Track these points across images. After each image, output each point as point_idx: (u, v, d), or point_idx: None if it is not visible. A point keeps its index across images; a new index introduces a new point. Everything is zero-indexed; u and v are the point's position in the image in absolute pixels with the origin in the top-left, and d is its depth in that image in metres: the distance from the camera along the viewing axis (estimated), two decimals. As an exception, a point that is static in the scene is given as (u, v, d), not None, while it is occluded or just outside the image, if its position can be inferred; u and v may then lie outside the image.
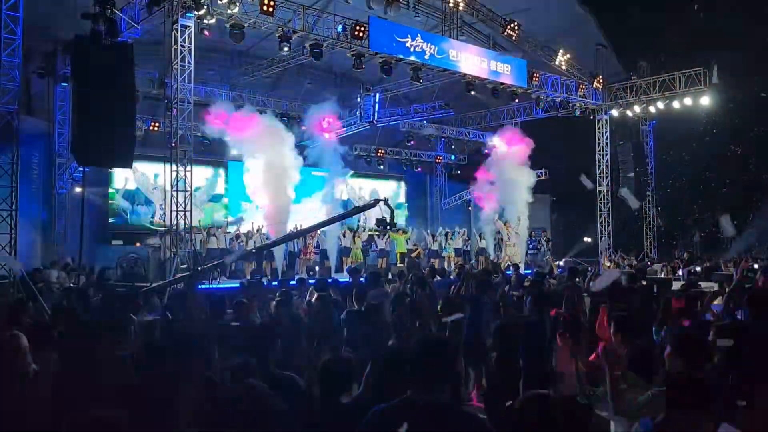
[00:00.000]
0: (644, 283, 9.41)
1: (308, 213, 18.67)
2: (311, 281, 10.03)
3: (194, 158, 13.73)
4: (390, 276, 12.20)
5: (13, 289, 10.60)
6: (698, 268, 14.70)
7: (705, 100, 19.17)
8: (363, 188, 25.68)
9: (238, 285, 10.53)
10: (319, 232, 16.62)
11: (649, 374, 3.56)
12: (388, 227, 10.64)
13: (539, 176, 20.75)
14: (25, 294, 8.89)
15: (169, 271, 12.59)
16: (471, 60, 16.98)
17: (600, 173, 21.50)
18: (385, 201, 10.23)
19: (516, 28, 17.63)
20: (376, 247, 19.56)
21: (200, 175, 19.01)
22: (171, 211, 13.07)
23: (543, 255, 22.32)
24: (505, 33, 17.71)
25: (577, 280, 8.99)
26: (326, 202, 17.88)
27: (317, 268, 17.24)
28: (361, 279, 9.69)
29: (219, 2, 12.95)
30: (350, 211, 13.68)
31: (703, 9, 24.55)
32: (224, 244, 16.74)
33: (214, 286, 11.65)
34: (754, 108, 24.46)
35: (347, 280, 11.39)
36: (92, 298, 8.31)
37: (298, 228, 16.82)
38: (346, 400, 3.26)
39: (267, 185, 15.50)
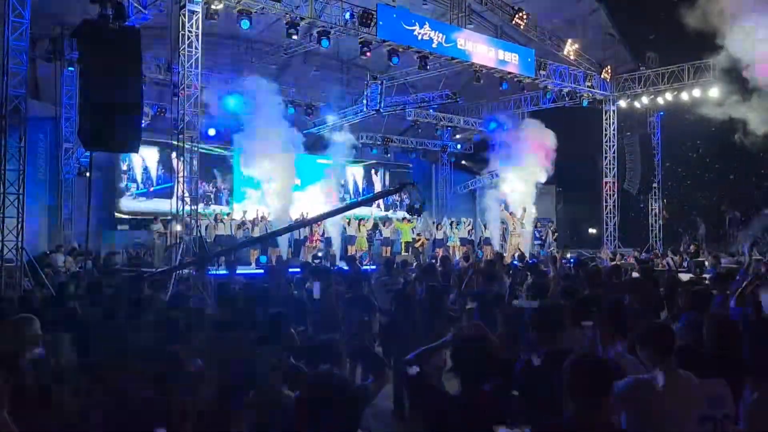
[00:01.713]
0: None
1: (313, 200, 18.66)
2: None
3: (200, 144, 13.71)
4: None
5: (20, 273, 10.67)
6: (706, 262, 14.55)
7: (714, 92, 18.98)
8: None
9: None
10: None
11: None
12: (417, 213, 10.33)
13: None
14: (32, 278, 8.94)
15: (175, 257, 12.63)
16: (478, 49, 16.86)
17: (607, 164, 21.41)
18: (413, 185, 9.91)
19: (524, 17, 17.49)
20: (381, 235, 19.56)
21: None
22: (176, 197, 13.09)
23: (548, 246, 22.25)
24: (513, 22, 17.58)
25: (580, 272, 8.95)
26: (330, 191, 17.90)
27: (321, 254, 17.28)
28: (373, 267, 9.66)
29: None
30: (377, 194, 13.45)
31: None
32: (230, 231, 16.77)
33: (219, 273, 11.70)
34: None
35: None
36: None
37: (305, 215, 16.87)
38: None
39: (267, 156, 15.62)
